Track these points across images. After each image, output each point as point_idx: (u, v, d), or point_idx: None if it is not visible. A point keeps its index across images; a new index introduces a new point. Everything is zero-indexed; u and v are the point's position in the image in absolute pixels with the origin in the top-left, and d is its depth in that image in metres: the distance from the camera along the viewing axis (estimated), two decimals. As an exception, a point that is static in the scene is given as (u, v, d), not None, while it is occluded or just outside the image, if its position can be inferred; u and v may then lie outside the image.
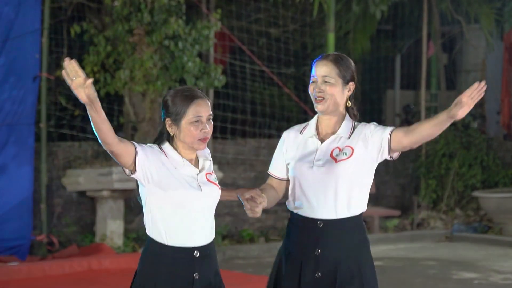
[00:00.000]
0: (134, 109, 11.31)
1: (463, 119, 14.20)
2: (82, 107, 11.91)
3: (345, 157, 4.18)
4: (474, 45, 15.22)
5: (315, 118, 4.34)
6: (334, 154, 4.19)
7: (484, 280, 9.46)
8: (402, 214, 13.46)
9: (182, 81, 11.37)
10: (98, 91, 11.09)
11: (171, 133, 3.98)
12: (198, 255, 3.94)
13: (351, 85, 4.27)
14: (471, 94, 4.02)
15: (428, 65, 14.44)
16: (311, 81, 4.27)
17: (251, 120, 13.41)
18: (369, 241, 4.32)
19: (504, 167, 13.69)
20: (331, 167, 4.16)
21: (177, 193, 3.92)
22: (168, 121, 3.98)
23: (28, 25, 10.58)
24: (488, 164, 13.56)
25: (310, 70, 4.32)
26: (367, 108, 15.11)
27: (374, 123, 4.32)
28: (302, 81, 14.44)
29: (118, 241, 10.92)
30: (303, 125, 4.39)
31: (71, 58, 3.65)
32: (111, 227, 10.93)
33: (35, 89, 10.70)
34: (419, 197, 13.62)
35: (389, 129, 4.20)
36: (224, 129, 12.74)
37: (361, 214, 4.26)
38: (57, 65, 11.37)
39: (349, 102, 4.29)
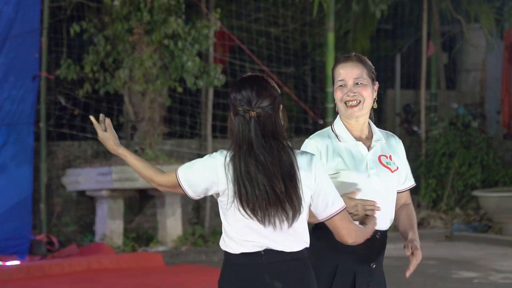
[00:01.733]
0: (134, 108, 11.30)
1: (463, 118, 14.21)
2: (82, 107, 11.91)
3: (395, 167, 4.00)
4: (474, 44, 15.21)
5: (340, 122, 4.02)
6: (384, 163, 3.98)
7: (484, 279, 9.45)
8: (402, 214, 13.44)
9: (181, 80, 11.37)
10: (97, 90, 11.18)
11: (283, 120, 3.60)
12: None
13: (376, 85, 4.03)
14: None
15: (428, 65, 14.43)
16: (337, 85, 3.96)
17: (251, 119, 13.38)
18: None
19: (504, 166, 13.69)
20: (388, 176, 3.97)
21: None
22: (281, 107, 3.61)
23: (27, 24, 10.58)
24: (488, 163, 13.56)
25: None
26: (367, 108, 15.08)
27: (402, 144, 4.14)
28: (302, 81, 14.43)
29: (118, 240, 10.91)
30: (325, 131, 4.03)
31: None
32: (111, 227, 10.91)
33: (34, 89, 10.70)
34: (419, 196, 13.61)
35: (408, 183, 4.11)
36: (224, 129, 12.73)
37: None
38: (57, 65, 11.36)
39: (375, 103, 4.04)
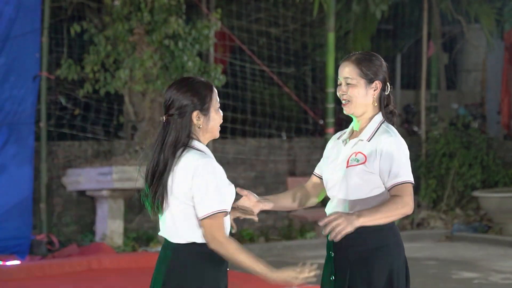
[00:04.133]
0: (134, 108, 11.31)
1: (464, 119, 14.20)
2: (82, 107, 11.93)
3: (355, 163, 4.07)
4: (475, 44, 15.22)
5: (354, 120, 4.23)
6: (350, 159, 4.08)
7: (484, 279, 9.46)
8: (402, 214, 13.42)
9: (182, 81, 11.37)
10: (98, 91, 11.19)
11: (199, 126, 3.78)
12: None
13: (376, 83, 4.13)
14: None
15: (429, 65, 14.44)
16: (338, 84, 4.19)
17: (251, 119, 13.42)
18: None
19: (504, 166, 13.69)
20: (344, 171, 4.09)
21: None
22: (196, 114, 3.78)
23: (28, 24, 10.58)
24: (488, 163, 13.56)
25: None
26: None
27: (391, 141, 4.13)
28: (302, 81, 14.43)
29: (118, 240, 10.92)
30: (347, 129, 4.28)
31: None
32: (111, 227, 10.92)
33: (35, 89, 10.70)
34: (419, 196, 13.61)
35: (392, 181, 4.11)
36: (224, 129, 12.73)
37: None
38: (57, 65, 11.37)
39: (375, 102, 4.17)
